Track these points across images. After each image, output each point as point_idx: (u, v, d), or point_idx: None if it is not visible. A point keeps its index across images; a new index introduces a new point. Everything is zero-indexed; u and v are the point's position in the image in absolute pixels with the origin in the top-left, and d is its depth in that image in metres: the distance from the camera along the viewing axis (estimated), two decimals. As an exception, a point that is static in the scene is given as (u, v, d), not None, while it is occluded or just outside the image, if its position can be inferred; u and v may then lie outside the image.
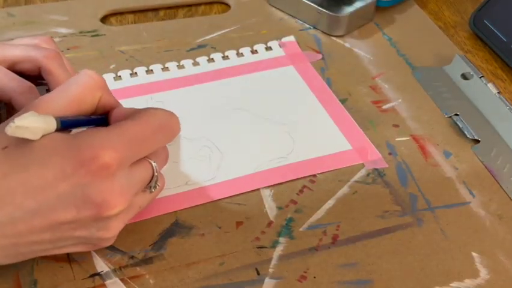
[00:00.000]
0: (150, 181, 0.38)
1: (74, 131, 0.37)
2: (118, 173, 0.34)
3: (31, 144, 0.33)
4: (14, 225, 0.33)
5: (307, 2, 0.61)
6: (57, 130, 0.35)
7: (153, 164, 0.38)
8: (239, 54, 0.57)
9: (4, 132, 0.33)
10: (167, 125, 0.38)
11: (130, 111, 0.38)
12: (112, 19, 0.62)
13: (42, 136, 0.34)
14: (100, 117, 0.39)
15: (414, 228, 0.43)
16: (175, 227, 0.42)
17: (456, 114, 0.52)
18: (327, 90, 0.54)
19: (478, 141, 0.50)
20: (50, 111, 0.35)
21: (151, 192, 0.39)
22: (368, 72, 0.57)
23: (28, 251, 0.35)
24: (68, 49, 0.56)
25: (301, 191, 0.45)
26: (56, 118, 0.35)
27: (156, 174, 0.38)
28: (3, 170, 0.33)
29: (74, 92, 0.37)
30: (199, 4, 0.65)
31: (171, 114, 0.39)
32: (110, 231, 0.36)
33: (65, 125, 0.35)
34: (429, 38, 0.62)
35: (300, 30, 0.61)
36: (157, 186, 0.39)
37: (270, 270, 0.40)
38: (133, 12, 0.63)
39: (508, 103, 0.52)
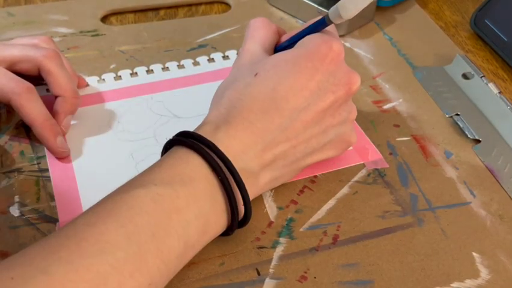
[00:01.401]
0: None
1: None
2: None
3: (275, 63, 0.41)
4: (292, 126, 0.40)
5: (308, 1, 0.61)
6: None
7: None
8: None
9: (255, 63, 0.42)
10: None
11: None
12: (112, 19, 0.62)
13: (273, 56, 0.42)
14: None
15: (415, 229, 0.43)
16: (175, 227, 0.42)
17: (457, 114, 0.52)
18: (327, 90, 0.54)
19: (478, 141, 0.50)
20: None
21: None
22: (368, 72, 0.57)
23: (301, 156, 0.42)
24: (68, 49, 0.56)
25: (301, 191, 0.45)
26: None
27: None
28: (268, 86, 0.40)
29: None
30: (200, 4, 0.65)
31: None
32: (353, 112, 0.44)
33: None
34: (430, 37, 0.62)
35: (301, 30, 0.61)
36: None
37: (271, 270, 0.40)
38: (133, 12, 0.63)
39: (508, 103, 0.52)
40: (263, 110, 0.40)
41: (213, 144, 0.38)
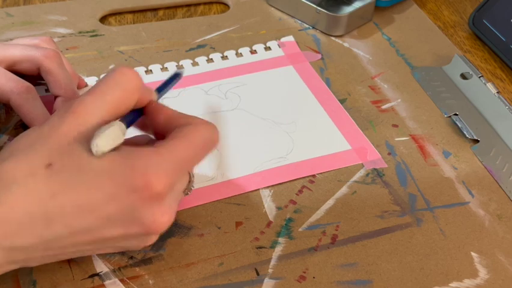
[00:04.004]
0: (186, 185, 0.39)
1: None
2: (167, 195, 0.35)
3: (80, 164, 0.33)
4: (60, 241, 0.33)
5: (307, 2, 0.61)
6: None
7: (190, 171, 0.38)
8: (238, 55, 0.57)
9: (46, 149, 0.33)
10: (210, 140, 0.38)
11: (173, 115, 0.38)
12: (111, 19, 0.62)
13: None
14: (136, 114, 0.38)
15: (414, 228, 0.43)
16: (175, 227, 0.42)
17: (455, 114, 0.52)
18: (326, 90, 0.54)
19: (477, 141, 0.50)
20: (88, 116, 0.34)
21: (186, 194, 0.40)
22: (367, 72, 0.57)
23: (67, 257, 0.36)
24: (67, 49, 0.56)
25: (300, 191, 0.45)
26: (123, 122, 0.35)
27: (192, 179, 0.39)
28: (52, 189, 0.32)
29: (113, 96, 0.35)
30: (198, 4, 0.65)
31: (213, 128, 0.38)
32: (151, 241, 0.37)
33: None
34: (429, 37, 0.62)
35: (299, 30, 0.61)
36: (192, 189, 0.40)
37: (270, 270, 0.40)
38: (132, 12, 0.63)
39: (507, 103, 0.52)
40: (30, 214, 0.32)
41: None
